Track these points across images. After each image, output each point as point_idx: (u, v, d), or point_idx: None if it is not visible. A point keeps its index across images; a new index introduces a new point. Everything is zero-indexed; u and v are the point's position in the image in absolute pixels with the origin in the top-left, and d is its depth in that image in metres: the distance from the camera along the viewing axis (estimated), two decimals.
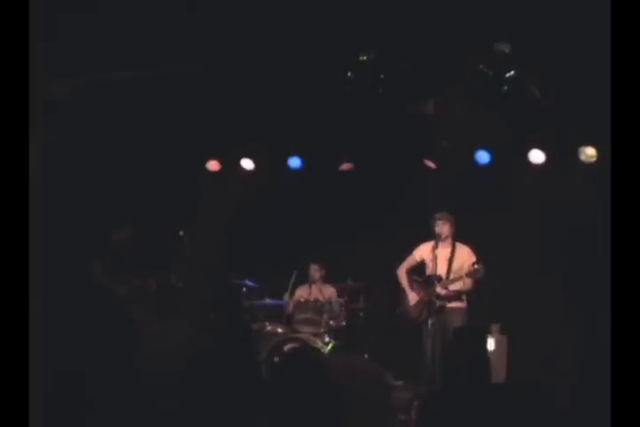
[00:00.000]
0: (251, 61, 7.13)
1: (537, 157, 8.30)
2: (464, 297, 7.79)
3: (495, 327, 7.99)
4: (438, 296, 7.65)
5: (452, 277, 7.74)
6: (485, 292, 7.81)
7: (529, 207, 8.23)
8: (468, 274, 7.55)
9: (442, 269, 7.74)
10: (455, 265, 7.79)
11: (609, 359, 3.48)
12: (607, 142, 4.05)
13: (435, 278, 7.68)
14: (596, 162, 7.99)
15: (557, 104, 7.33)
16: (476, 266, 7.51)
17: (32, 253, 3.72)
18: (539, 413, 3.65)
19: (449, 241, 7.86)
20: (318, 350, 7.67)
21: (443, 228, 7.79)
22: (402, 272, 8.04)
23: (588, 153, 8.04)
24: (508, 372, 7.75)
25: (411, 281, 7.99)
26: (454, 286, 7.71)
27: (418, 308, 7.82)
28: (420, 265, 8.04)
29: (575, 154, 8.10)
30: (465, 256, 7.82)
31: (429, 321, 7.59)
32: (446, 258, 7.80)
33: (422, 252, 7.99)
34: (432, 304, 7.63)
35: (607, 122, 3.85)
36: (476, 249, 7.88)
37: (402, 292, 8.04)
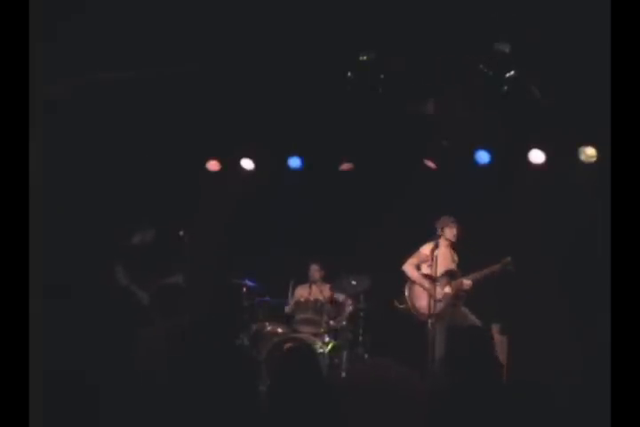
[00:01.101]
0: (251, 61, 7.13)
1: (537, 157, 8.30)
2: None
3: (495, 327, 7.99)
4: (463, 290, 7.79)
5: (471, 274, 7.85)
6: (485, 292, 7.81)
7: (529, 207, 8.23)
8: (502, 265, 7.68)
9: (446, 268, 7.85)
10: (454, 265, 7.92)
11: (609, 359, 3.48)
12: (607, 142, 4.05)
13: (455, 272, 7.78)
14: (595, 162, 7.99)
15: (557, 104, 7.32)
16: (507, 258, 7.71)
17: (32, 253, 3.72)
18: (539, 413, 3.65)
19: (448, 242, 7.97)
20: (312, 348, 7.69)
21: (453, 230, 7.93)
22: (410, 267, 8.01)
23: (588, 153, 8.04)
24: (508, 372, 7.75)
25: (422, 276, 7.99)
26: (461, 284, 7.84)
27: (441, 302, 7.82)
28: (424, 262, 8.04)
29: (575, 154, 8.10)
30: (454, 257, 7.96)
31: (429, 320, 7.58)
32: (449, 258, 7.89)
33: (427, 250, 8.00)
34: (458, 298, 7.72)
35: (607, 122, 3.85)
36: (476, 251, 7.92)
37: (411, 286, 8.00)
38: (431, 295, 7.76)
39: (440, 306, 7.75)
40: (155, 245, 8.16)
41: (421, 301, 7.88)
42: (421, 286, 7.89)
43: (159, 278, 7.96)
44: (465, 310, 7.85)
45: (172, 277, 7.99)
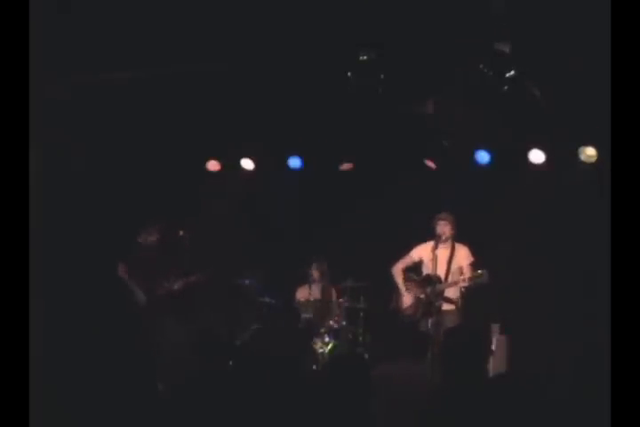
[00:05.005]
0: (251, 61, 7.14)
1: (537, 157, 8.30)
2: (458, 300, 7.74)
3: (495, 327, 7.98)
4: (437, 296, 7.57)
5: (450, 279, 7.67)
6: (485, 292, 7.79)
7: (529, 207, 8.23)
8: (472, 278, 7.45)
9: (441, 270, 7.67)
10: (454, 266, 7.74)
11: (609, 359, 3.48)
12: (607, 142, 4.05)
13: (435, 278, 7.60)
14: (595, 162, 7.99)
15: (557, 104, 7.32)
16: (479, 271, 7.42)
17: (32, 253, 3.72)
18: (539, 412, 3.65)
19: (449, 242, 7.80)
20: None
21: (444, 228, 7.73)
22: (397, 270, 7.96)
23: (588, 153, 8.04)
24: (509, 371, 7.74)
25: (407, 280, 7.93)
26: (451, 290, 7.67)
27: (414, 306, 7.77)
28: (417, 265, 8.00)
29: (575, 154, 8.10)
30: (463, 257, 7.77)
31: (429, 320, 7.54)
32: (446, 259, 7.74)
33: (421, 252, 7.93)
34: (431, 304, 7.55)
35: (607, 122, 3.85)
36: (477, 251, 7.85)
37: (396, 289, 8.00)
38: (405, 298, 7.80)
39: (413, 309, 7.72)
40: (159, 245, 8.22)
41: (402, 302, 7.89)
42: (400, 290, 7.89)
43: (163, 278, 8.05)
44: (446, 312, 7.65)
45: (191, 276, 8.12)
